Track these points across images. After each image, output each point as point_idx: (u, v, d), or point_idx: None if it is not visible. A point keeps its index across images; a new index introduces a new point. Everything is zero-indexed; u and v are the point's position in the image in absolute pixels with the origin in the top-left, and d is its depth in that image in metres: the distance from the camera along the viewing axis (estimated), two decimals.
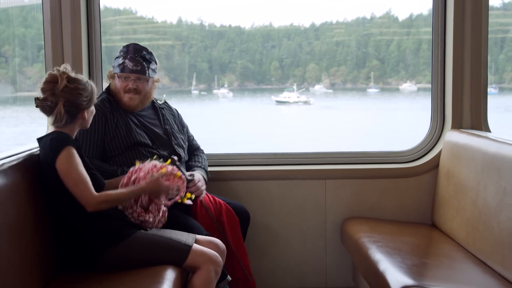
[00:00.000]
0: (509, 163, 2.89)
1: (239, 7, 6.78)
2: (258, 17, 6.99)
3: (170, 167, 3.01)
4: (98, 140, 3.31)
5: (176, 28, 7.00)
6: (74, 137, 2.90)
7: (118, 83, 3.41)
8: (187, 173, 3.35)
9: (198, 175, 3.42)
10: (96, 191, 2.82)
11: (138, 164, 3.02)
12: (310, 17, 7.03)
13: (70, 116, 2.79)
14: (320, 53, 7.50)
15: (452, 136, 3.72)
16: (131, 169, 3.02)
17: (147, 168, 2.98)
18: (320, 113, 8.36)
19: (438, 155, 3.85)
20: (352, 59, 7.44)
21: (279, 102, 7.89)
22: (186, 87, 7.32)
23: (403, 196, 3.92)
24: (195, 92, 7.27)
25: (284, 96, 7.84)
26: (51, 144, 2.73)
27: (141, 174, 2.96)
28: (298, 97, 7.65)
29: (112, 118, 3.36)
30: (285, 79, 7.54)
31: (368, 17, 7.19)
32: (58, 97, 2.75)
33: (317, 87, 7.65)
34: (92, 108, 2.92)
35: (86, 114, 2.85)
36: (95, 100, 2.92)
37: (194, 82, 7.22)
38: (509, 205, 2.82)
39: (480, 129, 3.81)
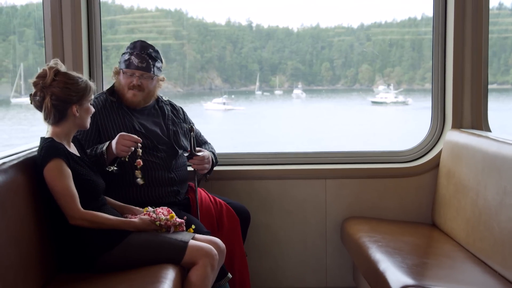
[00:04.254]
0: (509, 163, 2.88)
1: (287, 8, 6.85)
2: (306, 18, 7.04)
3: (178, 220, 2.97)
4: (94, 135, 3.29)
5: (226, 29, 7.05)
6: (71, 138, 2.89)
7: (122, 79, 3.39)
8: (197, 149, 3.45)
9: (207, 152, 3.49)
10: (94, 197, 2.83)
11: (145, 210, 3.00)
12: (358, 17, 7.05)
13: (59, 112, 2.78)
14: (373, 54, 7.47)
15: (452, 135, 3.71)
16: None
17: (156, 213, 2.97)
18: (421, 114, 8.27)
19: (438, 155, 3.85)
20: (407, 60, 7.38)
21: (375, 103, 7.86)
22: (238, 88, 7.36)
23: (404, 195, 3.92)
24: (258, 93, 7.33)
25: (381, 96, 7.81)
26: (42, 152, 2.73)
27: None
28: (395, 97, 7.62)
29: (106, 114, 3.34)
30: (336, 80, 7.51)
31: (419, 17, 7.15)
32: (46, 91, 2.76)
33: (381, 87, 7.63)
34: (87, 106, 2.87)
35: (76, 110, 2.81)
36: (88, 98, 2.87)
37: (257, 83, 7.29)
38: (509, 205, 2.82)
39: (480, 128, 3.80)
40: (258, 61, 7.30)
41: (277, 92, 7.54)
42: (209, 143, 3.78)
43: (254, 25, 7.11)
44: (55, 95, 2.77)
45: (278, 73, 7.49)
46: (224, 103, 7.67)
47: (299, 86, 7.55)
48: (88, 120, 2.93)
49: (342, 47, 7.31)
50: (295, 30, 7.24)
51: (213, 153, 3.66)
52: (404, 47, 7.36)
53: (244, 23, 7.08)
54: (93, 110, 2.94)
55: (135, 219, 2.88)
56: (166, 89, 6.14)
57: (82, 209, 2.71)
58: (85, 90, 2.85)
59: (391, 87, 7.58)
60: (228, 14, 6.95)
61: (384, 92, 7.65)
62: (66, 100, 2.78)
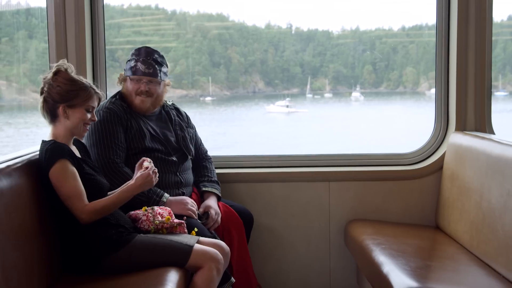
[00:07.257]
0: None
1: (326, 11, 6.87)
2: (345, 21, 7.03)
3: (176, 221, 2.98)
4: (121, 139, 3.27)
5: (266, 32, 7.07)
6: (71, 141, 2.88)
7: (130, 86, 3.39)
8: (200, 210, 3.37)
9: (212, 211, 3.37)
10: (99, 196, 2.81)
11: (144, 210, 3.01)
12: (400, 20, 7.03)
13: (49, 110, 2.80)
14: (417, 56, 7.41)
15: (456, 138, 3.71)
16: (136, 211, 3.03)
17: (154, 213, 2.98)
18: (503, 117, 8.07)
19: (442, 157, 3.84)
20: None
21: None
22: (281, 91, 7.37)
23: (407, 198, 3.92)
24: (309, 95, 7.35)
25: None
26: (46, 155, 2.73)
27: (143, 217, 2.97)
28: None
29: (126, 119, 3.34)
30: (379, 83, 7.46)
31: None
32: (44, 88, 2.81)
33: (432, 90, 7.62)
34: (79, 110, 2.80)
35: (63, 111, 2.77)
36: (81, 102, 2.81)
37: (308, 86, 7.30)
38: None
39: (484, 131, 3.80)
40: (300, 64, 7.30)
41: (327, 95, 7.54)
42: (208, 157, 3.73)
43: (293, 28, 7.14)
44: (48, 92, 2.80)
45: (320, 76, 7.48)
46: (287, 106, 7.68)
47: (358, 88, 7.52)
48: (82, 127, 2.85)
49: (384, 49, 7.27)
50: (335, 33, 7.23)
51: (215, 181, 3.61)
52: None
53: (284, 26, 7.11)
54: (88, 117, 2.85)
55: (130, 182, 2.86)
56: (214, 92, 6.12)
57: (87, 204, 2.71)
58: (78, 93, 2.80)
59: None
60: (268, 18, 7.00)
61: None
62: (54, 99, 2.79)
